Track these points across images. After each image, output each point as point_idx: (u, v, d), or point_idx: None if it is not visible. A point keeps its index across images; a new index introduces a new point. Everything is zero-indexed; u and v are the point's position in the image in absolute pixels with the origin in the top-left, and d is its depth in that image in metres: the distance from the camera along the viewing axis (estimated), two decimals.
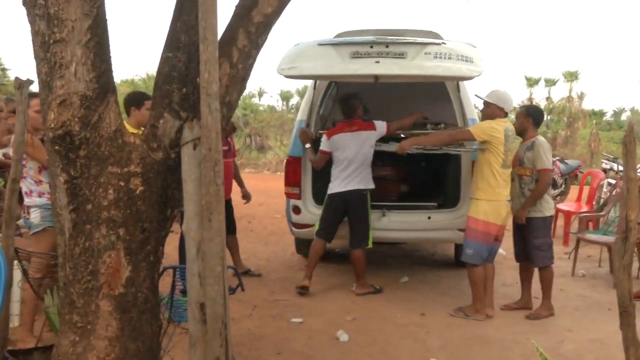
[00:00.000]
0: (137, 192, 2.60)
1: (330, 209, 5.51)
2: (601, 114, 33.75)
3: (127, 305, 2.60)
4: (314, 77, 5.79)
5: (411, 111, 5.86)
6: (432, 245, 7.51)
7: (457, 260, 6.21)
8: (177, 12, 2.71)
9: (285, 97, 42.84)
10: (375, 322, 4.77)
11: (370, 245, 5.50)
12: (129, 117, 4.63)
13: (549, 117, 26.11)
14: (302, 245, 6.50)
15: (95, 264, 2.56)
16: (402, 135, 5.68)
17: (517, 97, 28.40)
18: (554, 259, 5.07)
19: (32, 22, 2.51)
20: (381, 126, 5.51)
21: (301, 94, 34.54)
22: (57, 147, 2.53)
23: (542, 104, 25.79)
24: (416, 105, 6.39)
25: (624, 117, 43.36)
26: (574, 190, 9.83)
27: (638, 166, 3.22)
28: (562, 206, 8.43)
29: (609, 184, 8.80)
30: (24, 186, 3.98)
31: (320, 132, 5.88)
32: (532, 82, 27.20)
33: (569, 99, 26.82)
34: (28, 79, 2.99)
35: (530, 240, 4.96)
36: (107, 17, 2.59)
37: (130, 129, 3.50)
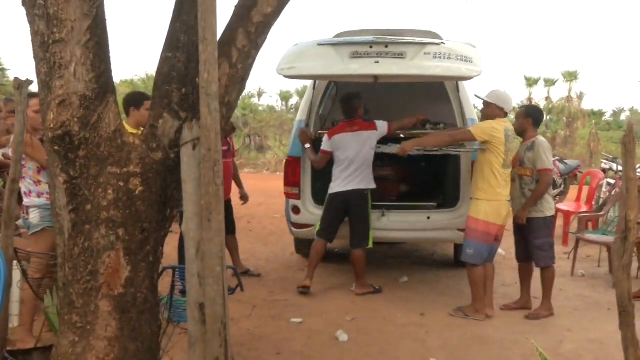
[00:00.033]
0: (137, 192, 2.60)
1: (331, 209, 5.52)
2: (600, 114, 33.72)
3: (127, 306, 2.60)
4: (314, 77, 5.79)
5: (410, 111, 5.86)
6: (431, 245, 7.51)
7: (456, 260, 6.21)
8: (177, 12, 2.71)
9: (285, 97, 42.79)
10: (374, 322, 4.77)
11: (370, 245, 5.50)
12: (128, 118, 4.64)
13: (548, 117, 26.08)
14: (302, 246, 6.50)
15: (95, 264, 2.56)
16: (402, 136, 5.68)
17: (517, 97, 28.40)
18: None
19: (31, 22, 2.51)
20: (382, 126, 5.51)
21: (300, 94, 34.51)
22: (56, 148, 2.53)
23: (542, 104, 25.75)
24: (415, 105, 6.39)
25: (623, 117, 43.36)
26: (573, 190, 9.83)
27: (637, 166, 3.23)
28: (562, 206, 8.43)
29: (608, 184, 8.81)
30: (23, 186, 3.98)
31: (320, 132, 5.88)
32: (531, 82, 27.18)
33: (569, 99, 26.80)
34: (27, 79, 2.99)
35: (532, 240, 4.96)
36: (107, 17, 2.59)
37: (129, 129, 3.50)
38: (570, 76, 26.76)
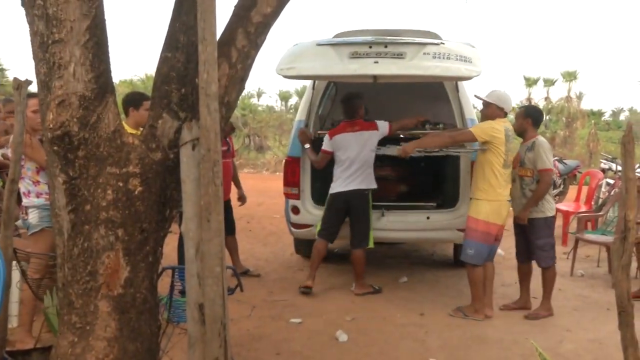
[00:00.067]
0: (136, 192, 2.60)
1: (332, 209, 5.52)
2: (600, 114, 33.73)
3: (126, 306, 2.59)
4: (313, 78, 5.79)
5: (410, 111, 5.86)
6: (431, 245, 7.51)
7: (456, 260, 6.21)
8: (176, 13, 2.71)
9: (284, 97, 42.82)
10: (374, 322, 4.77)
11: (371, 245, 5.51)
12: (127, 118, 4.63)
13: (547, 117, 26.11)
14: (301, 246, 6.50)
15: (94, 264, 2.56)
16: (402, 136, 5.68)
17: (516, 97, 28.45)
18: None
19: (30, 22, 2.51)
20: (383, 126, 5.51)
21: (300, 94, 34.53)
22: (55, 148, 2.53)
23: (541, 104, 25.73)
24: (415, 105, 6.39)
25: (622, 117, 43.43)
26: (572, 190, 9.84)
27: (636, 166, 3.23)
28: (561, 206, 8.43)
29: (608, 184, 8.81)
30: (22, 187, 3.98)
31: (319, 132, 5.88)
32: (530, 82, 27.19)
33: (568, 99, 26.80)
34: (27, 80, 2.98)
35: (533, 240, 4.96)
36: (106, 17, 2.59)
37: (128, 129, 3.50)
38: (570, 76, 26.77)
